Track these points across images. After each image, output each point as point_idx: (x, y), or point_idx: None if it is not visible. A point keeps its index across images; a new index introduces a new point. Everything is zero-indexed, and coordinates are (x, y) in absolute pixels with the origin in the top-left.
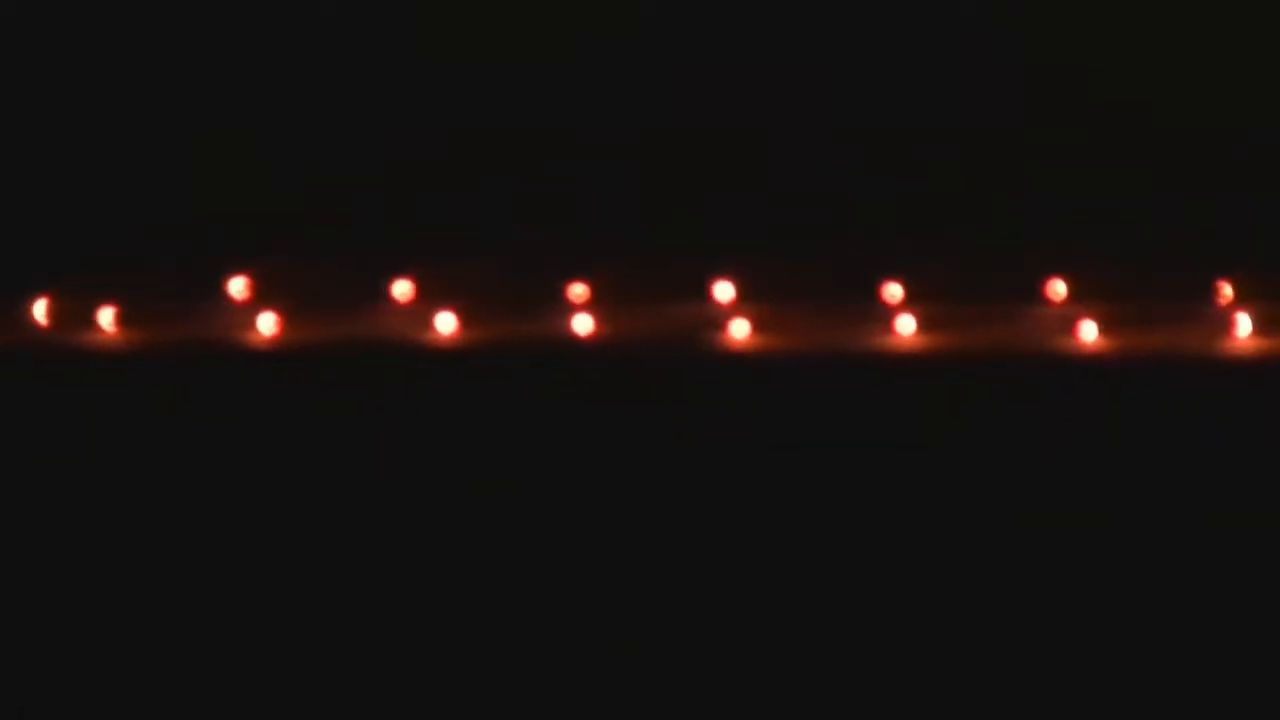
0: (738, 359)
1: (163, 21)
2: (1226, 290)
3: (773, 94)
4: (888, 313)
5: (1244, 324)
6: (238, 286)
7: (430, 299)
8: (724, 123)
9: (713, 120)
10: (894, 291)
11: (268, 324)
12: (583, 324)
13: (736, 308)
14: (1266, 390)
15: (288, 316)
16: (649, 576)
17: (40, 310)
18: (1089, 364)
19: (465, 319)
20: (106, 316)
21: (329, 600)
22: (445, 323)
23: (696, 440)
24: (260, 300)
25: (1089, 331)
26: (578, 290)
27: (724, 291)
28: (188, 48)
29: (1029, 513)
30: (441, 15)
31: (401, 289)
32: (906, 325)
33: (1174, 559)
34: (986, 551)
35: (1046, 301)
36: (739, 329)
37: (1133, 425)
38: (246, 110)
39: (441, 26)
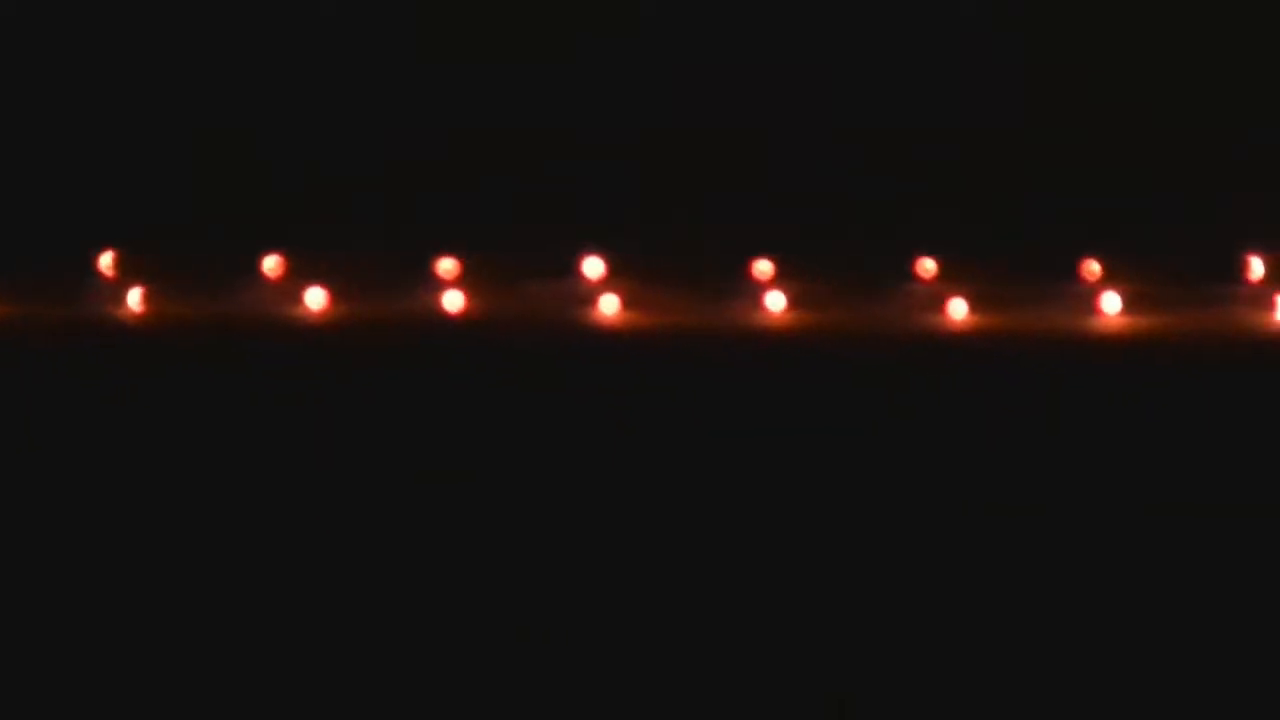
0: (607, 335)
1: (163, 21)
2: (1093, 268)
3: (773, 94)
4: (757, 289)
5: (1111, 302)
6: (105, 262)
7: (300, 275)
8: (724, 123)
9: (713, 120)
10: (763, 268)
11: (135, 299)
12: (453, 300)
13: (606, 284)
14: (1133, 368)
15: (154, 293)
16: (515, 548)
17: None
18: (957, 341)
19: (335, 295)
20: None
21: (180, 575)
22: (315, 298)
23: (566, 415)
24: (127, 277)
25: (958, 309)
26: (446, 266)
27: (593, 268)
28: (188, 48)
29: (892, 486)
30: (441, 15)
31: (271, 265)
32: (776, 301)
33: (1043, 534)
34: (850, 524)
35: (916, 279)
36: (608, 305)
37: (1000, 402)
38: (246, 110)
39: (441, 26)
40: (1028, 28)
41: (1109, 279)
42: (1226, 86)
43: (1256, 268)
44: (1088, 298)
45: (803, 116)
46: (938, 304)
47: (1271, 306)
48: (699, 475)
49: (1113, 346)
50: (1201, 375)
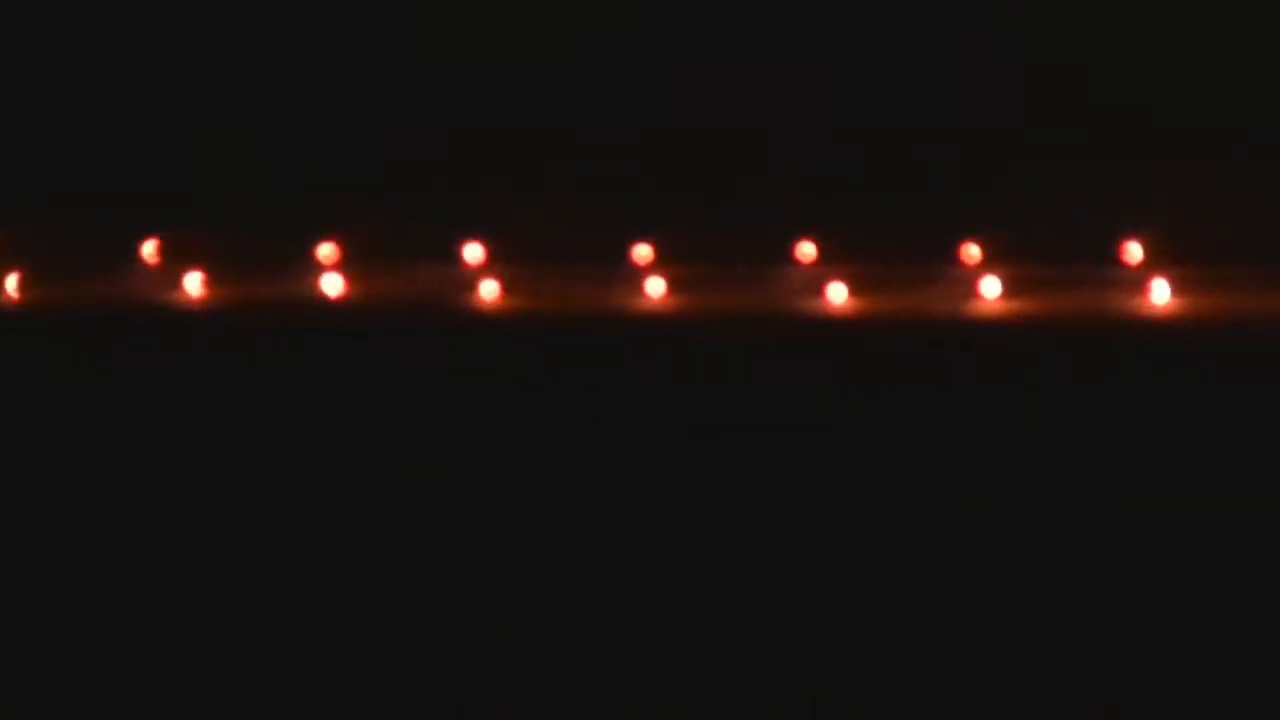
0: (487, 320)
1: (163, 21)
2: (972, 251)
3: (773, 94)
4: (638, 274)
5: (991, 287)
6: None
7: (177, 260)
8: (724, 123)
9: (713, 120)
10: (643, 253)
11: (12, 285)
12: (332, 284)
13: (486, 269)
14: (1013, 352)
15: (31, 277)
16: (387, 535)
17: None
18: (838, 324)
19: (212, 279)
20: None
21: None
22: (192, 283)
23: (448, 399)
24: (6, 261)
25: (838, 293)
26: (326, 251)
27: (473, 253)
28: (188, 48)
29: (775, 475)
30: (441, 15)
31: (148, 250)
32: (656, 287)
33: (922, 527)
34: (734, 512)
35: (796, 263)
36: (488, 290)
37: (879, 386)
38: (246, 110)
39: (441, 26)
40: (1028, 28)
41: (989, 263)
42: (1226, 86)
43: (1134, 252)
44: (968, 281)
45: (803, 116)
46: (817, 288)
47: (1147, 290)
48: (578, 461)
49: (993, 330)
50: (1079, 358)
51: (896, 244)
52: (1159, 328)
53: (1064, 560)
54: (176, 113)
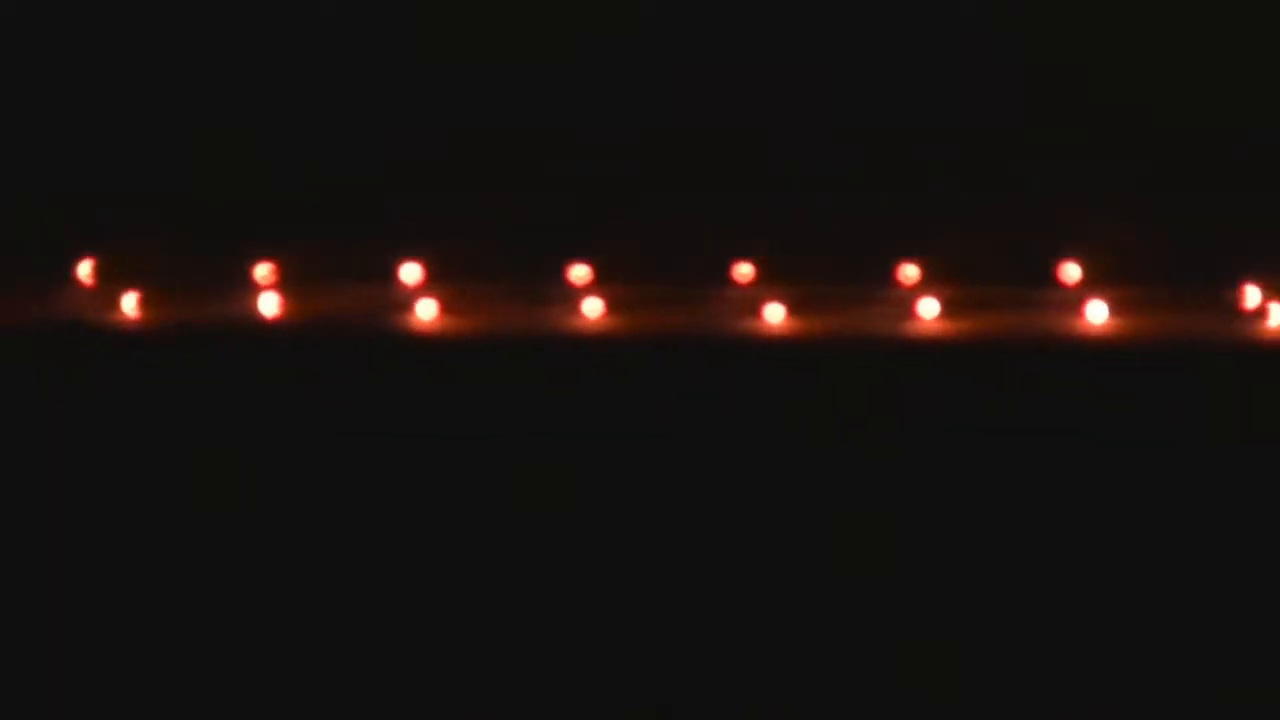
0: (424, 340)
1: (163, 21)
2: (909, 272)
3: (773, 94)
4: (575, 294)
5: (929, 308)
6: None
7: (113, 280)
8: (724, 123)
9: (713, 120)
10: (580, 273)
11: None
12: (268, 304)
13: (424, 289)
14: (951, 372)
15: None
16: (323, 555)
17: None
18: (776, 345)
19: (148, 300)
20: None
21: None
22: (129, 303)
23: (384, 420)
24: None
25: (775, 314)
26: (262, 271)
27: (410, 273)
28: (188, 48)
29: (703, 490)
30: (441, 15)
31: (84, 270)
32: (593, 308)
33: (859, 547)
34: (671, 535)
35: (734, 284)
36: (425, 310)
37: (816, 406)
38: (246, 110)
39: (441, 26)
40: (1028, 28)
41: (927, 283)
42: (1226, 86)
43: (1071, 273)
44: (906, 302)
45: (803, 116)
46: (754, 308)
47: (1082, 312)
48: (515, 480)
49: (930, 350)
50: (1016, 379)
51: (834, 265)
52: (1095, 348)
53: (1002, 583)
54: (176, 113)
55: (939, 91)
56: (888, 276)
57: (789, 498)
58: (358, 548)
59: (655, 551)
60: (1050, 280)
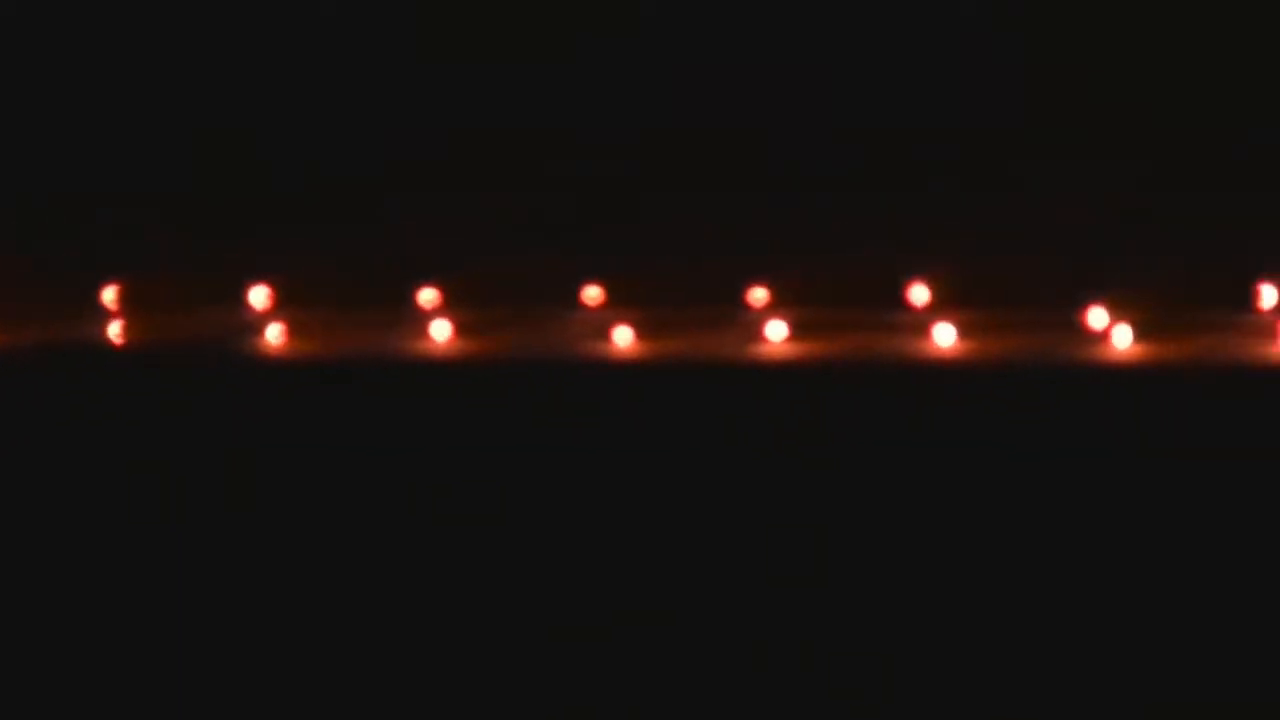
0: (273, 364)
1: (163, 21)
2: (759, 294)
3: (773, 94)
4: (423, 317)
5: (778, 330)
6: None
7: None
8: (724, 123)
9: (713, 120)
10: (429, 296)
11: None
12: (116, 329)
13: (274, 313)
14: (800, 395)
15: None
16: (161, 583)
17: None
18: (622, 368)
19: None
20: None
21: None
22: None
23: (233, 444)
24: None
25: (624, 336)
26: (109, 295)
27: (259, 297)
28: (188, 48)
29: (556, 513)
30: (441, 15)
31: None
32: (441, 330)
33: (722, 578)
34: (615, 549)
35: (583, 306)
36: (274, 334)
37: (665, 430)
38: (246, 110)
39: (441, 26)
40: (1028, 28)
41: (777, 306)
42: (1226, 86)
43: (919, 294)
44: (754, 324)
45: (803, 116)
46: (603, 331)
47: (930, 333)
48: (354, 504)
49: (779, 372)
50: (864, 401)
51: (685, 288)
52: (943, 370)
53: (858, 610)
54: (177, 112)
55: (939, 91)
56: (738, 299)
57: (642, 527)
58: (211, 572)
59: (508, 574)
60: (898, 302)
